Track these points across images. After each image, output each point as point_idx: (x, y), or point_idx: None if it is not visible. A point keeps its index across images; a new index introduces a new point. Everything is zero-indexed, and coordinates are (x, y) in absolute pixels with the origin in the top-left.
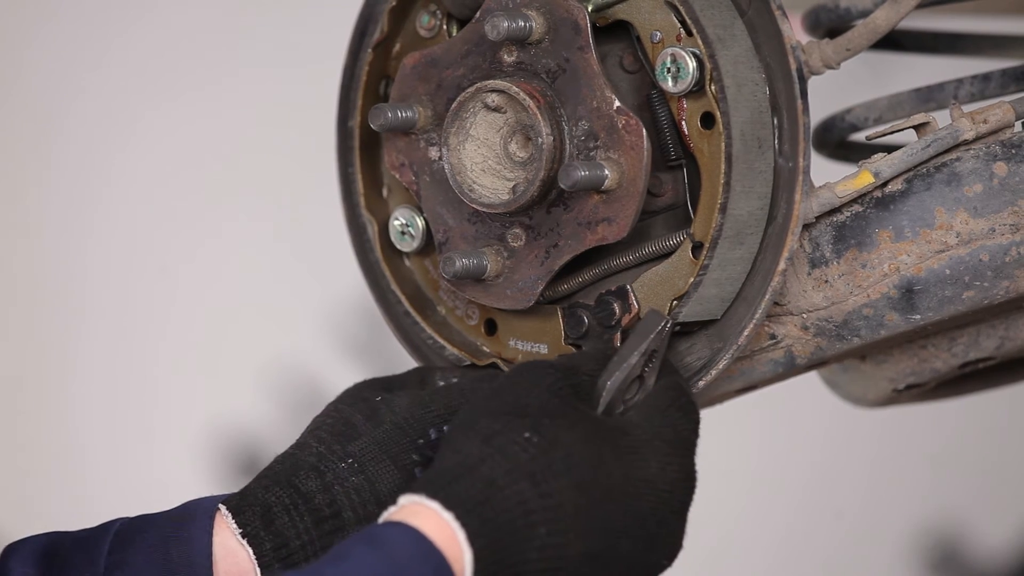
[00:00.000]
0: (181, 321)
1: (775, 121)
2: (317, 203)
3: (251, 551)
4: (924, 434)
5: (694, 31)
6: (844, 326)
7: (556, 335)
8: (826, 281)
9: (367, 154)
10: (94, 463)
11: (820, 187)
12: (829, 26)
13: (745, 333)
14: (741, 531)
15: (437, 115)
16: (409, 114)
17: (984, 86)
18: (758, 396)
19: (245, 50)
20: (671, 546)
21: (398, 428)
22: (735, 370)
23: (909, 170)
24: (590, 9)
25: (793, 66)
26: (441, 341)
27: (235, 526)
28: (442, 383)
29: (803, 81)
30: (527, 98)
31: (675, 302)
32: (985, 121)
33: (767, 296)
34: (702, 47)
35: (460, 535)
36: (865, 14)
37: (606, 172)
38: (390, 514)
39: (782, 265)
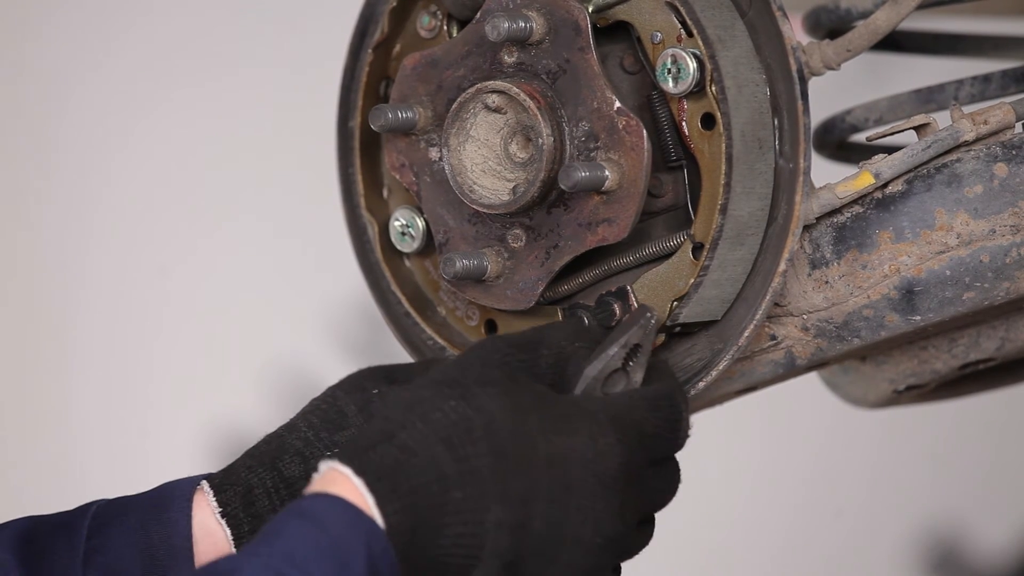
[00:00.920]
0: (181, 321)
1: (776, 122)
2: (317, 204)
3: (229, 531)
4: (924, 434)
5: (695, 32)
6: (844, 327)
7: None
8: (826, 282)
9: (367, 155)
10: (93, 463)
11: (820, 188)
12: (830, 27)
13: (745, 334)
14: (741, 531)
15: (437, 116)
16: (409, 115)
17: (984, 87)
18: (758, 397)
19: (245, 50)
20: (609, 526)
21: None
22: (735, 371)
23: (909, 171)
24: (590, 10)
25: (794, 67)
26: (441, 342)
27: (216, 504)
28: None
29: (804, 82)
30: (527, 99)
31: (675, 303)
32: (985, 122)
33: (767, 297)
34: (703, 48)
35: (369, 500)
36: (865, 15)
37: (606, 173)
38: (313, 481)
39: (782, 266)
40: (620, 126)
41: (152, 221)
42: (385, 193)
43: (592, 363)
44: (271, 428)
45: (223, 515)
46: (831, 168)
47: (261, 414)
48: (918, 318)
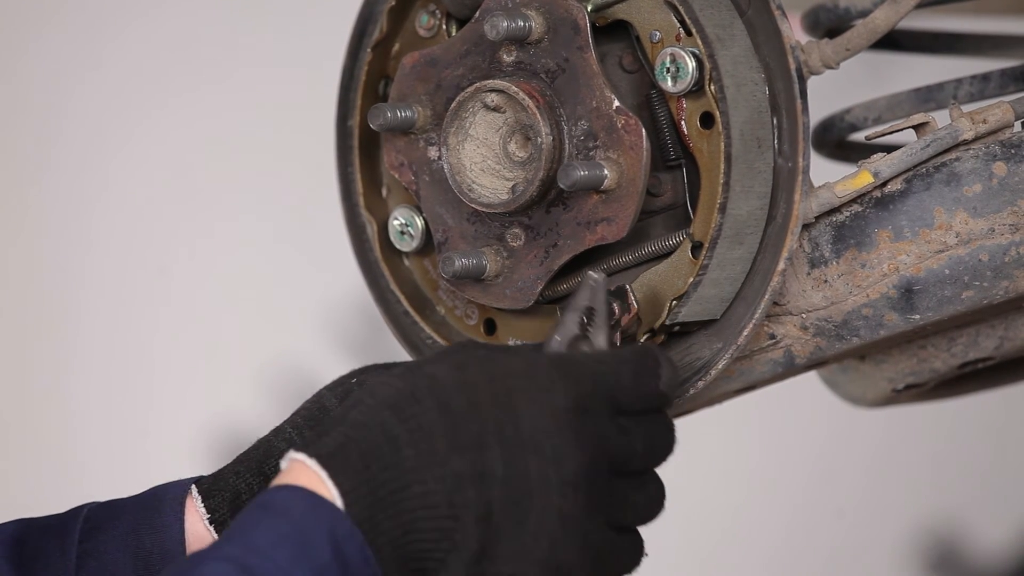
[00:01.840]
0: (180, 321)
1: (774, 121)
2: (316, 203)
3: (218, 537)
4: (924, 434)
5: (693, 31)
6: (843, 326)
7: None
8: (825, 281)
9: (366, 154)
10: (93, 464)
11: (819, 187)
12: (828, 26)
13: (744, 333)
14: (741, 531)
15: (436, 115)
16: (408, 114)
17: (983, 86)
18: (758, 396)
19: (244, 50)
20: (572, 463)
21: None
22: (734, 370)
23: (908, 170)
24: (589, 9)
25: (792, 66)
26: (440, 341)
27: (204, 511)
28: None
29: (802, 81)
30: (526, 98)
31: (674, 302)
32: (984, 121)
33: (766, 296)
34: (701, 47)
35: (324, 476)
36: (864, 14)
37: (605, 172)
38: (278, 477)
39: (781, 265)
40: (619, 125)
41: (152, 221)
42: (384, 192)
43: (550, 336)
44: (270, 427)
45: (211, 521)
46: (830, 167)
47: (260, 413)
48: (917, 317)
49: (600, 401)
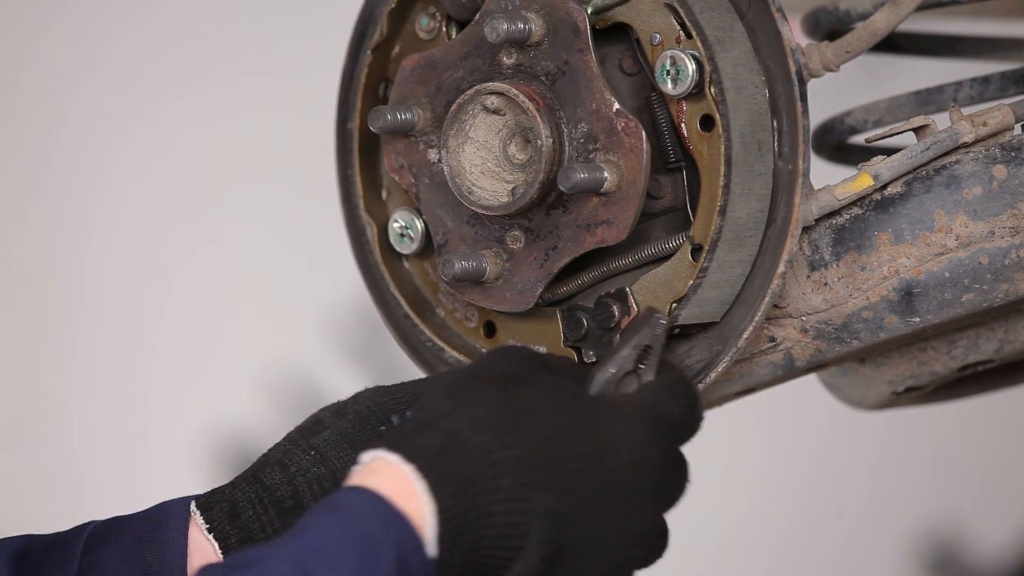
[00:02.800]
0: (180, 323)
1: (775, 124)
2: (316, 205)
3: (216, 545)
4: (924, 435)
5: (694, 33)
6: (843, 329)
7: (555, 337)
8: (825, 284)
9: (366, 156)
10: (92, 465)
11: (819, 189)
12: (829, 28)
13: (744, 336)
14: (741, 531)
15: (436, 117)
16: (408, 116)
17: (983, 89)
18: (758, 398)
19: (244, 52)
20: (644, 520)
21: (361, 418)
22: (734, 373)
23: (908, 173)
24: (589, 11)
25: (793, 68)
26: (440, 343)
27: (203, 522)
28: None
29: (803, 83)
30: (526, 100)
31: (674, 304)
32: (984, 124)
33: (766, 299)
34: (701, 49)
35: (419, 486)
36: (864, 17)
37: (605, 174)
38: (354, 472)
39: (781, 268)
40: (619, 128)
41: (152, 222)
42: (384, 195)
43: (605, 366)
44: (270, 429)
45: (210, 531)
46: (830, 170)
47: (260, 415)
48: (917, 320)
49: (677, 458)
